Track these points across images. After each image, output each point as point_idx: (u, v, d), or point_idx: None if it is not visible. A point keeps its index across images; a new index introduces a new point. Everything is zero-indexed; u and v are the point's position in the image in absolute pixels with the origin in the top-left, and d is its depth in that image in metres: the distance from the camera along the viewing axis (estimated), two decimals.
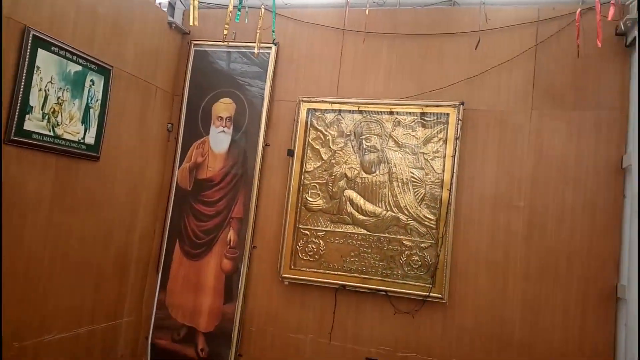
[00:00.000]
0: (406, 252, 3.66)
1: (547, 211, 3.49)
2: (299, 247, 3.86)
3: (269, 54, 4.03)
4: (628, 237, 3.22)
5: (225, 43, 4.06)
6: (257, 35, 3.48)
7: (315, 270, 3.81)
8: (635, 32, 3.28)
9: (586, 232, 3.40)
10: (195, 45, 4.26)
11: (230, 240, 3.91)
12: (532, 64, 3.65)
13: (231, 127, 4.06)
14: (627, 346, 3.06)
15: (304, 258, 3.85)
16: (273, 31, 3.51)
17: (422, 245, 3.64)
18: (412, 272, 3.62)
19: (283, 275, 3.80)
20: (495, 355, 3.47)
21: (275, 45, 4.03)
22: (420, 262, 3.62)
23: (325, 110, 3.92)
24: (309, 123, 3.94)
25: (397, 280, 3.65)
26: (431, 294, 3.54)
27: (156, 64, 4.08)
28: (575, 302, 3.38)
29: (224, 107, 4.09)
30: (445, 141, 3.67)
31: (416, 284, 3.60)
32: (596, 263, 3.37)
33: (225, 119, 4.06)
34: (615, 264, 3.36)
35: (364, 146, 3.83)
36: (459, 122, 3.64)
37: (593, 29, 3.34)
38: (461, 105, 3.65)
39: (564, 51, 3.57)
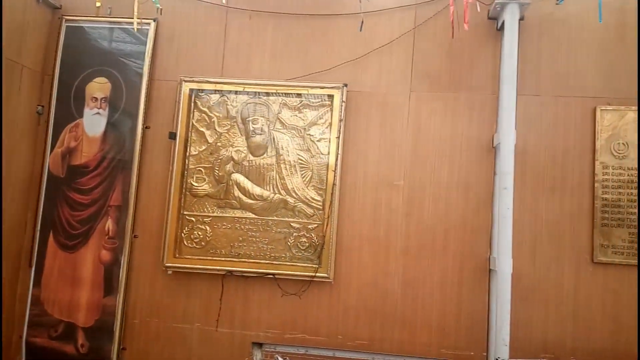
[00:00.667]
0: (294, 234, 3.64)
1: (425, 189, 3.62)
2: (184, 234, 3.72)
3: (147, 30, 3.79)
4: (497, 212, 3.41)
5: (101, 18, 3.77)
6: (135, 9, 3.25)
7: (201, 257, 3.69)
8: (504, 16, 3.45)
9: (460, 208, 3.57)
10: (67, 20, 3.92)
11: (108, 229, 3.67)
12: (411, 47, 3.73)
13: (107, 109, 3.79)
14: (497, 315, 3.25)
15: (190, 245, 3.71)
16: (156, 2, 3.29)
17: (310, 226, 3.64)
18: (300, 254, 3.62)
19: (166, 264, 3.64)
20: (379, 330, 3.57)
21: (155, 21, 3.80)
22: (307, 244, 3.62)
23: (210, 90, 3.77)
24: (192, 104, 3.77)
25: (285, 263, 3.63)
26: (317, 274, 3.56)
27: (21, 41, 3.69)
28: (451, 275, 3.55)
29: (98, 87, 3.80)
30: (331, 123, 3.67)
31: (304, 265, 3.60)
32: (470, 237, 3.55)
33: (100, 99, 3.78)
34: (487, 238, 3.55)
35: (251, 128, 3.74)
36: (343, 103, 3.64)
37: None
38: (344, 87, 3.66)
39: (440, 34, 3.69)
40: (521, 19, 3.57)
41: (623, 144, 3.46)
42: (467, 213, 3.58)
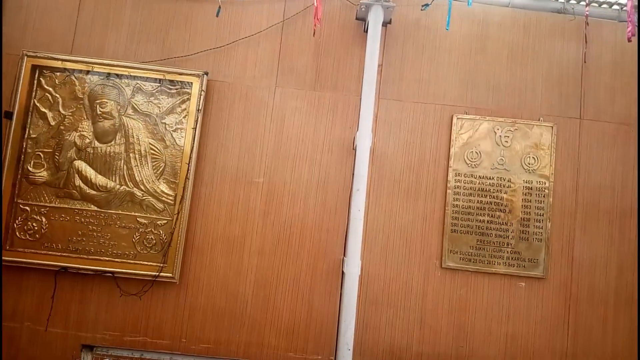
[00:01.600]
0: (140, 230, 3.38)
1: (285, 187, 3.49)
2: (17, 224, 3.34)
3: None
4: (352, 214, 3.35)
5: None
6: None
7: (35, 251, 3.34)
8: (369, 18, 3.40)
9: (319, 209, 3.48)
10: None
11: None
12: (279, 41, 3.60)
13: None
14: (342, 318, 3.18)
15: (23, 237, 3.34)
16: None
17: (159, 222, 3.39)
18: (145, 252, 3.36)
19: None
20: (226, 332, 3.39)
21: None
22: (155, 241, 3.37)
23: (56, 68, 3.42)
24: (35, 82, 3.40)
25: (128, 261, 3.36)
26: (161, 274, 3.31)
27: None
28: (304, 276, 3.45)
29: None
30: (189, 112, 3.44)
31: (148, 263, 3.35)
32: (326, 238, 3.47)
33: None
34: (342, 239, 3.47)
35: (98, 112, 3.43)
36: (202, 92, 3.44)
37: (336, 10, 3.39)
38: (205, 76, 3.45)
39: (309, 31, 3.59)
40: (388, 22, 3.55)
41: (476, 152, 3.52)
42: (325, 214, 3.49)
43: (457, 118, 3.56)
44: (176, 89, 3.48)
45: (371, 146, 3.39)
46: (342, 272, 3.45)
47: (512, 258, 3.46)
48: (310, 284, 3.46)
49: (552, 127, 3.54)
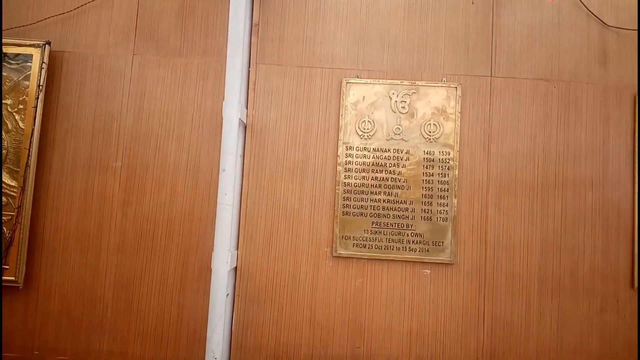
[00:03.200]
0: None
1: (147, 171, 2.98)
2: None
3: None
4: (219, 199, 2.84)
5: None
6: None
7: None
8: None
9: (188, 195, 3.04)
10: None
11: None
12: (136, 2, 3.05)
13: None
14: (210, 320, 2.70)
15: None
16: None
17: (4, 219, 2.87)
18: None
19: None
20: (85, 341, 2.92)
21: None
22: None
23: None
24: None
25: None
26: (3, 278, 2.81)
27: None
28: (173, 274, 2.98)
29: None
30: (30, 90, 2.92)
31: None
32: (197, 230, 3.02)
33: None
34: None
35: None
36: (44, 65, 2.92)
37: None
38: (47, 45, 2.94)
39: None
40: None
41: (369, 122, 2.99)
42: (196, 201, 2.98)
43: (347, 83, 3.03)
44: (17, 64, 2.96)
45: (249, 119, 2.88)
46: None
47: (413, 242, 2.95)
48: (180, 284, 2.96)
49: (457, 87, 3.00)
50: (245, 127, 3.05)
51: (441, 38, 3.09)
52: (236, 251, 2.98)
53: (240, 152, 3.04)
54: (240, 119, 2.88)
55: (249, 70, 3.07)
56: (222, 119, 2.86)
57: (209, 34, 3.08)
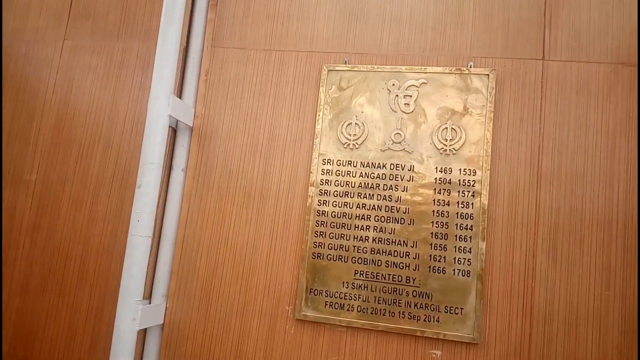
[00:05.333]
0: None
1: (65, 187, 2.27)
2: None
3: None
4: (131, 227, 2.04)
5: None
6: None
7: None
8: None
9: (111, 219, 2.21)
10: None
11: None
12: None
13: None
14: None
15: None
16: None
17: None
18: None
19: None
20: None
21: None
22: None
23: None
24: None
25: None
26: None
27: None
28: (84, 327, 2.21)
29: None
30: None
31: None
32: (118, 265, 2.14)
33: None
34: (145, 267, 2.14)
35: None
36: None
37: None
38: None
39: None
40: None
41: (358, 124, 2.06)
42: (119, 230, 2.21)
43: (330, 70, 2.13)
44: None
45: (196, 121, 2.10)
46: None
47: (417, 305, 1.92)
48: (90, 341, 2.14)
49: (489, 75, 1.99)
50: (191, 131, 2.22)
51: (468, 7, 2.11)
52: (164, 302, 2.11)
53: (183, 164, 2.21)
54: (180, 120, 2.08)
55: (201, 56, 2.26)
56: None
57: (155, 12, 2.33)
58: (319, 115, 2.14)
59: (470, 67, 2.07)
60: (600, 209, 1.92)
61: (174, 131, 2.24)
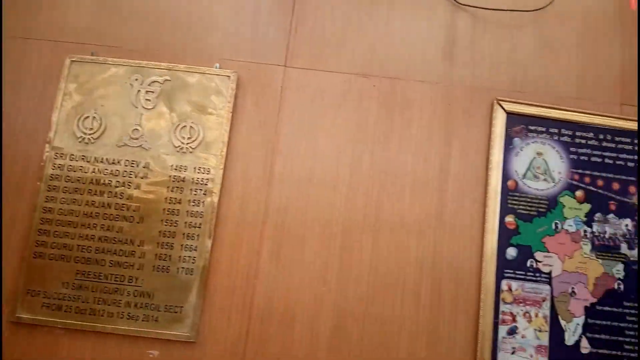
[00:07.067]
0: None
1: None
2: None
3: None
4: None
5: None
6: None
7: None
8: None
9: None
10: None
11: None
12: None
13: None
14: None
15: None
16: None
17: None
18: None
19: None
20: None
21: None
22: None
23: None
24: None
25: None
26: None
27: None
28: None
29: None
30: None
31: None
32: None
33: None
34: None
35: None
36: None
37: None
38: None
39: None
40: None
41: (95, 117, 1.97)
42: None
43: (72, 62, 2.05)
44: None
45: None
46: None
47: (137, 305, 1.87)
48: None
49: (230, 76, 2.01)
50: None
51: (219, 8, 2.12)
52: None
53: None
54: None
55: None
56: None
57: None
58: (57, 106, 2.03)
59: (217, 67, 2.08)
60: (322, 210, 1.99)
61: None
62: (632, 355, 1.94)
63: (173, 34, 2.14)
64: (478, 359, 1.90)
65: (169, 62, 2.11)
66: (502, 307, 1.93)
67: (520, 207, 2.01)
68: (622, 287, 1.98)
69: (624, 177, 2.05)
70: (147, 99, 2.05)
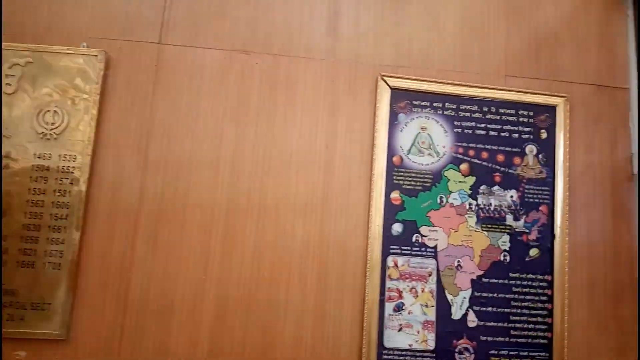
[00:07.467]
0: None
1: None
2: None
3: None
4: None
5: None
6: None
7: None
8: None
9: None
10: None
11: None
12: None
13: None
14: None
15: None
16: None
17: None
18: None
19: None
20: None
21: None
22: None
23: None
24: None
25: None
26: None
27: None
28: None
29: None
30: None
31: None
32: None
33: None
34: None
35: None
36: None
37: None
38: None
39: None
40: None
41: None
42: None
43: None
44: None
45: None
46: None
47: (8, 303, 1.69)
48: None
49: (97, 55, 1.86)
50: None
51: None
52: None
53: None
54: None
55: None
56: None
57: None
58: None
59: (85, 46, 1.93)
60: (204, 194, 1.90)
61: None
62: (518, 325, 1.94)
63: (35, 13, 1.98)
64: (365, 338, 1.86)
65: (31, 42, 1.94)
66: (388, 284, 1.90)
67: (406, 182, 1.97)
68: (507, 258, 1.98)
69: (508, 149, 2.04)
70: (7, 83, 1.90)
